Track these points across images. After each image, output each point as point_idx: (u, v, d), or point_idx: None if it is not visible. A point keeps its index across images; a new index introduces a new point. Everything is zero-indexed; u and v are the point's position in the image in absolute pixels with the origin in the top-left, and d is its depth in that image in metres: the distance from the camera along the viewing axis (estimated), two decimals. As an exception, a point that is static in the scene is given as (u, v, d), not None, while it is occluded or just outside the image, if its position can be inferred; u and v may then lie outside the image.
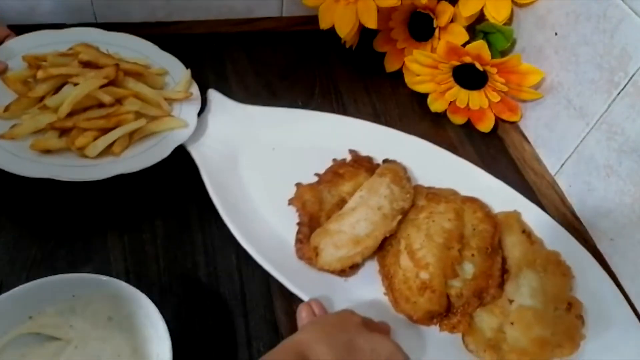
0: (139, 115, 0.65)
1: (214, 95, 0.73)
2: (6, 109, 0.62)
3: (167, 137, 0.66)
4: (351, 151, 0.71)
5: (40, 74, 0.63)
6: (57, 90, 0.65)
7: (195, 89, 0.72)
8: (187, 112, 0.69)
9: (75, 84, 0.64)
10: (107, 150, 0.62)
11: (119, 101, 0.65)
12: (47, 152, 0.61)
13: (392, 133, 0.73)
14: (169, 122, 0.67)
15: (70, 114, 0.62)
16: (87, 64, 0.66)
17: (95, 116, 0.63)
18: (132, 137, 0.64)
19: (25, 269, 0.56)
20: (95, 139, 0.62)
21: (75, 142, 0.61)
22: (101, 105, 0.64)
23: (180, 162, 0.65)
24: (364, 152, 0.70)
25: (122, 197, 0.63)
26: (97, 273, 0.56)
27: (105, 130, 0.63)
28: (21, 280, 0.54)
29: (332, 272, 0.58)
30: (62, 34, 0.74)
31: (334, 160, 0.69)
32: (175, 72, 0.74)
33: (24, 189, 0.62)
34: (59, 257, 0.57)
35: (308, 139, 0.70)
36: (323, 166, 0.67)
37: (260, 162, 0.69)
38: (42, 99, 0.64)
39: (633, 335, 0.56)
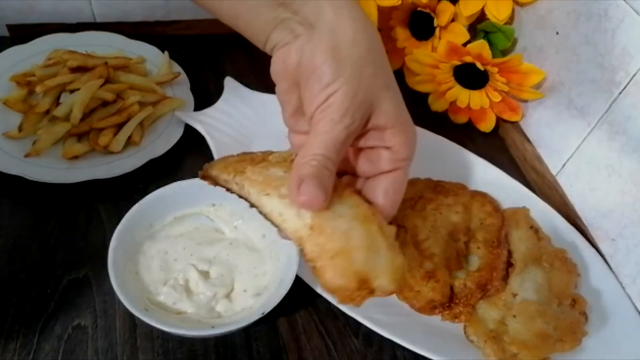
0: (141, 104, 0.68)
1: (230, 82, 0.75)
2: (20, 129, 0.65)
3: (172, 118, 0.70)
4: None
5: (39, 88, 0.66)
6: (56, 99, 0.67)
7: (178, 68, 0.76)
8: (180, 91, 0.74)
9: (72, 91, 0.67)
10: (127, 143, 0.66)
11: (119, 96, 0.68)
12: (75, 157, 0.64)
13: None
14: (170, 103, 0.71)
15: (82, 118, 0.65)
16: (76, 69, 0.69)
17: (107, 114, 0.67)
18: (143, 125, 0.68)
19: (25, 269, 0.56)
20: (114, 135, 0.65)
21: (99, 141, 0.64)
22: (105, 103, 0.67)
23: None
24: None
25: (121, 191, 0.63)
26: (95, 274, 0.56)
27: (119, 126, 0.66)
28: (21, 281, 0.55)
29: None
30: (29, 47, 0.75)
31: None
32: (151, 57, 0.77)
33: (24, 189, 0.62)
34: (59, 257, 0.57)
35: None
36: (332, 155, 0.68)
37: (272, 148, 0.70)
38: (47, 111, 0.66)
39: (635, 334, 0.56)
